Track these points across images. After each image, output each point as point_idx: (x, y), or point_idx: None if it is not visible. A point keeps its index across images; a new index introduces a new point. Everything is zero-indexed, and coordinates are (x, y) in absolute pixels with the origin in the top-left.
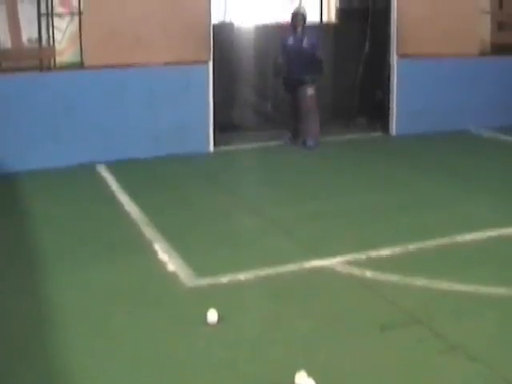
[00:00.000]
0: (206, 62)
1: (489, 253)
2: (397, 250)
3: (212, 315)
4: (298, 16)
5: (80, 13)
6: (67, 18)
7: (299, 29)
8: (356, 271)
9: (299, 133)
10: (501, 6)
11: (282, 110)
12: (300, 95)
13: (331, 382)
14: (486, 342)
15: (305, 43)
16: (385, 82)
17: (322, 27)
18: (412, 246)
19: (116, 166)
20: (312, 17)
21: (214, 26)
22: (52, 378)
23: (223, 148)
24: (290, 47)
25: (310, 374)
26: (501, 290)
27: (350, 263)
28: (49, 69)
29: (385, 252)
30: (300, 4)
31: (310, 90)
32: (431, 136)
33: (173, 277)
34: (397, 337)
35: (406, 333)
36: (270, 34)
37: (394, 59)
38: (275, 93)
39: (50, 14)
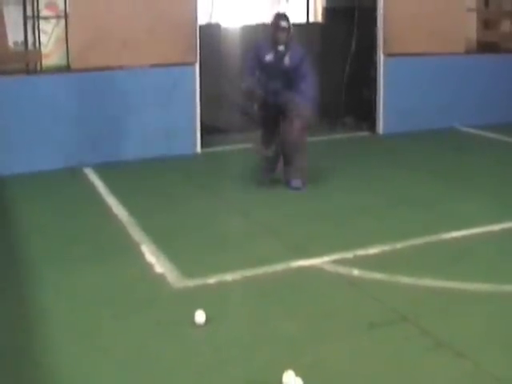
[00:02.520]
0: (193, 64)
1: (475, 250)
2: (384, 248)
3: (200, 316)
4: (281, 25)
5: (66, 16)
6: (53, 21)
7: (281, 44)
8: (343, 270)
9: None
10: (486, 4)
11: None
12: (284, 127)
13: (319, 381)
14: (472, 339)
15: (287, 61)
16: (371, 81)
17: (308, 27)
18: (399, 245)
19: (103, 169)
20: (298, 17)
21: (201, 28)
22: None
23: (210, 149)
24: (268, 66)
25: (298, 373)
26: (487, 287)
27: (337, 262)
28: (35, 72)
29: (372, 251)
30: (282, 10)
31: (298, 122)
32: (418, 135)
33: (160, 278)
34: (384, 335)
35: (393, 330)
36: (256, 34)
37: (381, 58)
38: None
39: (36, 17)
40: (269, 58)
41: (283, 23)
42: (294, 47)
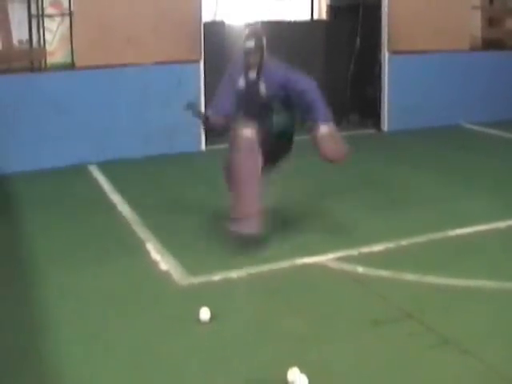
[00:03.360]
0: (197, 61)
1: (480, 247)
2: (389, 245)
3: (204, 313)
4: (247, 45)
5: (71, 14)
6: (58, 19)
7: (252, 69)
8: (348, 267)
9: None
10: (491, 1)
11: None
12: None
13: (324, 378)
14: (478, 336)
15: (263, 90)
16: (376, 78)
17: (312, 24)
18: (404, 242)
19: (108, 167)
20: (302, 14)
21: (205, 25)
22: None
23: (215, 147)
24: (240, 93)
25: (303, 370)
26: (493, 284)
27: (342, 260)
28: (40, 70)
29: (377, 248)
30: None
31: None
32: (423, 132)
33: (166, 276)
34: (389, 332)
35: (397, 327)
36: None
37: (385, 56)
38: None
39: (41, 15)
40: (240, 84)
41: (249, 43)
42: (269, 70)
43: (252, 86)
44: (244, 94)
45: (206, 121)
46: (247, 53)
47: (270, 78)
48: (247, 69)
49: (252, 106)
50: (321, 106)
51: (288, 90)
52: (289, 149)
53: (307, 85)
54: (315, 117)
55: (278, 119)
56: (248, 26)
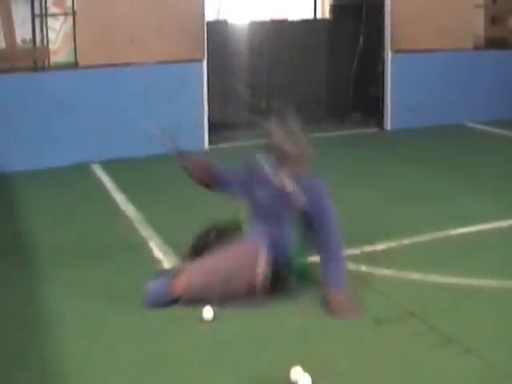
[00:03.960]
0: (200, 60)
1: (483, 246)
2: (391, 244)
3: (207, 312)
4: (298, 152)
5: (74, 13)
6: (61, 18)
7: (291, 174)
8: (351, 266)
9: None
10: (494, 0)
11: (277, 108)
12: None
13: (326, 377)
14: (481, 335)
15: (295, 200)
16: (379, 77)
17: (315, 23)
18: (406, 241)
19: (111, 166)
20: (306, 13)
21: (208, 24)
22: (46, 380)
23: (218, 146)
24: (258, 198)
25: (306, 368)
26: (496, 283)
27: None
28: (43, 69)
29: (379, 247)
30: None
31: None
32: (426, 131)
33: None
34: (391, 330)
35: (400, 326)
36: (264, 30)
37: (389, 55)
38: (270, 90)
39: (44, 15)
40: (258, 189)
41: (290, 147)
42: (307, 183)
43: (281, 193)
44: (268, 199)
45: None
46: (289, 157)
47: (305, 192)
48: (279, 172)
49: (273, 216)
50: (337, 267)
51: (310, 218)
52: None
53: (332, 237)
54: (329, 277)
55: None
56: (292, 125)
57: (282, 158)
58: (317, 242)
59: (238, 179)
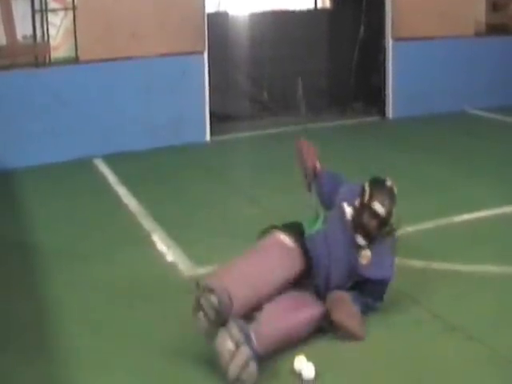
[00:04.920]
0: (201, 53)
1: (487, 233)
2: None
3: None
4: (375, 208)
5: (74, 8)
6: (61, 14)
7: (365, 236)
8: None
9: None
10: None
11: (278, 99)
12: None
13: (330, 366)
14: (485, 322)
15: (365, 265)
16: (380, 66)
17: (316, 13)
18: (410, 228)
19: (113, 159)
20: (306, 3)
21: (209, 16)
22: (53, 377)
23: (220, 137)
24: (333, 241)
25: (310, 358)
26: (499, 269)
27: None
28: (44, 65)
29: None
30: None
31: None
32: (428, 118)
33: (172, 267)
34: (395, 318)
35: (404, 314)
36: (265, 21)
37: (389, 43)
38: (271, 81)
39: (44, 10)
40: (338, 241)
41: (379, 207)
42: (382, 246)
43: (352, 248)
44: (337, 246)
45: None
46: (370, 214)
47: (379, 261)
48: (357, 225)
49: (341, 263)
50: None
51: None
52: None
53: (373, 303)
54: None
55: None
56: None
57: (370, 215)
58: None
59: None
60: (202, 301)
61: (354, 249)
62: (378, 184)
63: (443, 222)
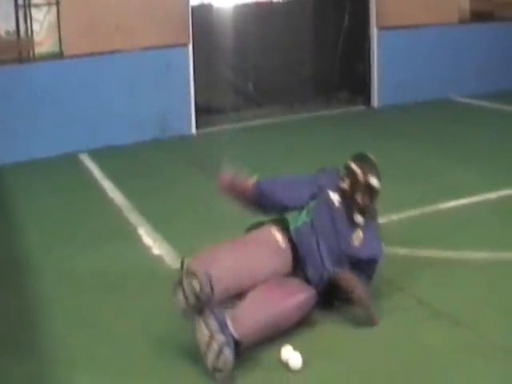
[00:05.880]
0: (186, 45)
1: (472, 219)
2: (380, 220)
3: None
4: (371, 183)
5: (57, 2)
6: (45, 9)
7: (360, 214)
8: None
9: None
10: None
11: (263, 90)
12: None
13: (317, 355)
14: (471, 308)
15: (358, 244)
16: (365, 55)
17: (300, 2)
18: (395, 216)
19: (99, 154)
20: None
21: (193, 8)
22: (42, 372)
23: (206, 130)
24: (322, 229)
25: (296, 347)
26: (485, 255)
27: None
28: (28, 60)
29: None
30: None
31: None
32: (414, 107)
33: (158, 260)
34: (381, 306)
35: (390, 302)
36: (249, 13)
37: (374, 32)
38: (256, 72)
39: (28, 6)
40: (326, 222)
41: (375, 181)
42: (370, 227)
43: (342, 231)
44: (327, 232)
45: None
46: (366, 190)
47: (369, 239)
48: (352, 206)
49: (332, 240)
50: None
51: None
52: None
53: (367, 278)
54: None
55: None
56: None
57: (365, 192)
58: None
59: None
60: (185, 284)
61: (347, 231)
62: (364, 159)
63: (429, 209)
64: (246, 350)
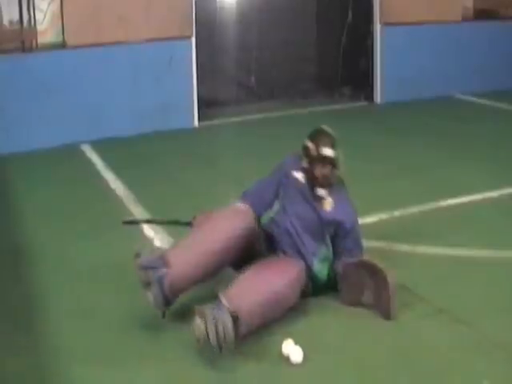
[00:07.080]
0: (189, 38)
1: (473, 216)
2: (381, 216)
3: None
4: (323, 153)
5: None
6: None
7: (322, 186)
8: None
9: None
10: None
11: (266, 83)
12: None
13: (318, 350)
14: (472, 305)
15: (329, 211)
16: (368, 51)
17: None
18: (397, 213)
19: (101, 145)
20: None
21: (197, 1)
22: (40, 362)
23: (208, 123)
24: (294, 209)
25: (297, 342)
26: (486, 253)
27: None
28: (31, 50)
29: (370, 219)
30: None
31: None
32: (417, 103)
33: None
34: None
35: None
36: (252, 6)
37: (378, 28)
38: (259, 66)
39: None
40: (296, 196)
41: (328, 150)
42: (339, 193)
43: (312, 203)
44: (300, 209)
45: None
46: (321, 161)
47: (339, 203)
48: (313, 180)
49: (306, 215)
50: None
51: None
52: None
53: (357, 245)
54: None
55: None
56: (324, 132)
57: (322, 163)
58: (340, 249)
59: (274, 193)
60: (152, 288)
61: (316, 204)
62: (315, 133)
63: (431, 206)
64: (248, 334)
